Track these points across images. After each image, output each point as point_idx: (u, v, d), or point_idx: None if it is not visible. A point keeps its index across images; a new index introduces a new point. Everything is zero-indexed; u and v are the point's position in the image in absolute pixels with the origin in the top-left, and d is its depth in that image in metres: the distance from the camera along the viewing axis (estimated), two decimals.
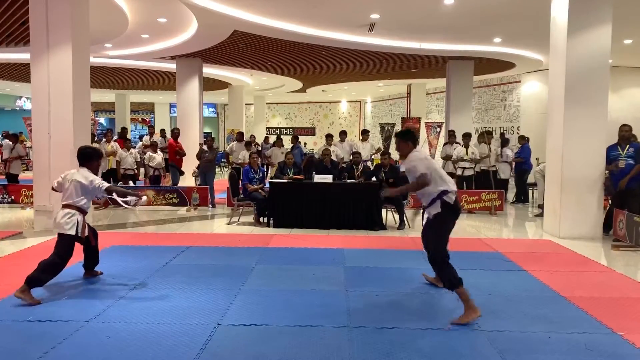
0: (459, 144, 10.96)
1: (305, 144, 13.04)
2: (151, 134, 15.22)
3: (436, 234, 4.35)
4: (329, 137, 11.34)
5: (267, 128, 27.89)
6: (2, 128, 23.79)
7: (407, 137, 4.57)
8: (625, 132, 7.64)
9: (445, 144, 11.85)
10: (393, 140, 20.29)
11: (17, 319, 4.00)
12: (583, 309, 4.40)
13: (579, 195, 7.64)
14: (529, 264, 5.94)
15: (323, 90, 23.88)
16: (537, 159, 14.10)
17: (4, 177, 13.20)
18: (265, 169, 12.90)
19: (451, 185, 4.36)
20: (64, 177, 4.86)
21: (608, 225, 7.85)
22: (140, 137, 16.77)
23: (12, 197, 10.36)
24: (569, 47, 7.54)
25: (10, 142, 14.98)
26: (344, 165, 10.31)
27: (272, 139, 17.75)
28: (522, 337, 3.80)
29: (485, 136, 11.14)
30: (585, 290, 5.01)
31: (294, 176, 8.77)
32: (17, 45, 12.46)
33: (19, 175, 12.28)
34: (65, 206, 4.76)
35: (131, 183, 11.31)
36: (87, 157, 4.95)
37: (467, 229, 8.57)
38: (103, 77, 18.79)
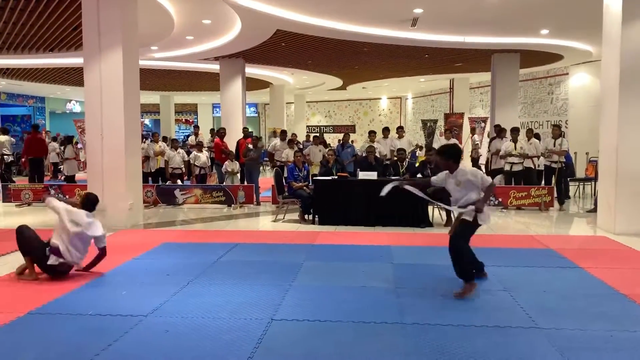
0: (507, 138, 10.72)
1: (352, 141, 12.95)
2: (196, 134, 15.53)
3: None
4: (372, 133, 11.29)
5: (307, 126, 28.03)
6: (53, 131, 24.76)
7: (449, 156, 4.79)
8: None
9: (493, 139, 11.61)
10: (437, 136, 20.07)
11: (79, 313, 4.15)
12: None
13: (636, 189, 7.35)
14: (584, 261, 5.76)
15: (363, 87, 23.80)
16: (587, 153, 13.69)
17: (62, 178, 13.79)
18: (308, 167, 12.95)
19: None
20: None
21: None
22: (188, 137, 17.23)
23: (67, 197, 10.75)
24: (624, 36, 7.26)
25: (55, 144, 15.67)
26: (388, 162, 10.25)
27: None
28: (582, 335, 3.70)
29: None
30: None
31: (339, 173, 8.79)
32: (68, 50, 12.95)
33: (76, 176, 12.80)
34: None
35: (179, 182, 11.58)
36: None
37: (516, 226, 8.38)
38: (149, 79, 19.29)
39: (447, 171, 4.79)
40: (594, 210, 8.84)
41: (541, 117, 18.10)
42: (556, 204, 9.95)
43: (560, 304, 4.35)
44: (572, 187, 11.70)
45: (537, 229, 8.09)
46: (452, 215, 8.32)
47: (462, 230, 4.70)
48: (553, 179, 10.21)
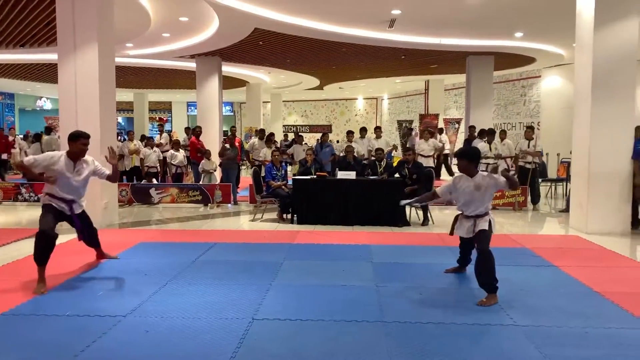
0: (484, 140, 10.88)
1: (333, 141, 13.11)
2: (161, 132, 15.41)
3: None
4: (349, 133, 11.34)
5: (283, 126, 28.00)
6: (23, 128, 24.18)
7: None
8: None
9: (468, 140, 11.77)
10: (412, 136, 20.19)
11: (55, 314, 4.06)
12: (619, 304, 4.35)
13: (607, 190, 7.54)
14: (559, 260, 5.89)
15: (340, 88, 23.88)
16: (558, 154, 13.99)
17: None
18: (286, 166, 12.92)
19: None
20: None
21: (636, 220, 7.78)
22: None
23: (39, 196, 10.50)
24: (596, 40, 7.44)
25: (25, 142, 15.34)
26: (366, 161, 10.31)
27: (291, 136, 17.80)
28: (559, 332, 3.78)
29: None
30: (619, 285, 4.96)
31: (318, 173, 8.80)
32: (40, 46, 12.65)
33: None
34: None
35: (154, 180, 11.42)
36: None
37: None
38: (123, 76, 18.98)
39: (461, 176, 4.75)
40: (566, 210, 9.05)
41: (514, 119, 18.43)
42: (530, 204, 10.14)
43: (538, 302, 4.43)
44: (544, 188, 11.94)
45: (512, 228, 8.23)
46: (429, 215, 8.43)
47: (488, 241, 4.57)
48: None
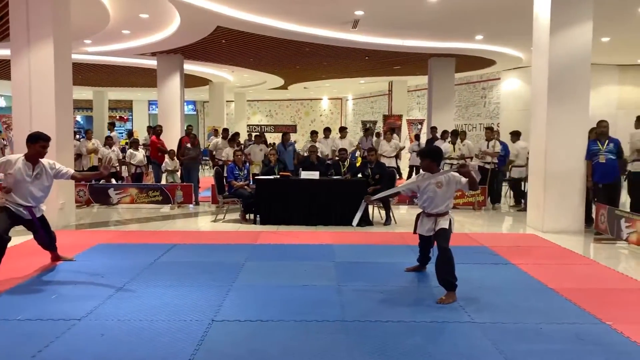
0: (446, 140, 11.07)
1: (295, 141, 13.11)
2: (110, 131, 15.10)
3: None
4: (313, 133, 11.35)
5: (248, 125, 27.80)
6: None
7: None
8: (603, 128, 7.79)
9: (430, 141, 11.95)
10: (374, 138, 20.35)
11: (6, 318, 3.92)
12: (571, 300, 4.49)
13: (562, 189, 7.77)
14: (516, 258, 6.03)
15: (305, 88, 23.86)
16: (517, 155, 14.32)
17: None
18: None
19: None
20: None
21: (589, 218, 8.04)
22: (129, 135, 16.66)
23: None
24: (552, 44, 7.66)
25: None
26: (329, 162, 10.33)
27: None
28: (514, 328, 3.87)
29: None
30: (572, 282, 5.12)
31: (282, 172, 8.77)
32: None
33: None
34: None
35: (113, 180, 11.15)
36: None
37: None
38: (81, 74, 18.47)
39: (424, 174, 4.85)
40: (524, 209, 9.27)
41: (474, 120, 18.81)
42: (489, 204, 10.36)
43: (495, 299, 4.53)
44: (503, 187, 12.19)
45: (471, 227, 8.39)
46: (391, 214, 8.50)
47: (448, 239, 4.65)
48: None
